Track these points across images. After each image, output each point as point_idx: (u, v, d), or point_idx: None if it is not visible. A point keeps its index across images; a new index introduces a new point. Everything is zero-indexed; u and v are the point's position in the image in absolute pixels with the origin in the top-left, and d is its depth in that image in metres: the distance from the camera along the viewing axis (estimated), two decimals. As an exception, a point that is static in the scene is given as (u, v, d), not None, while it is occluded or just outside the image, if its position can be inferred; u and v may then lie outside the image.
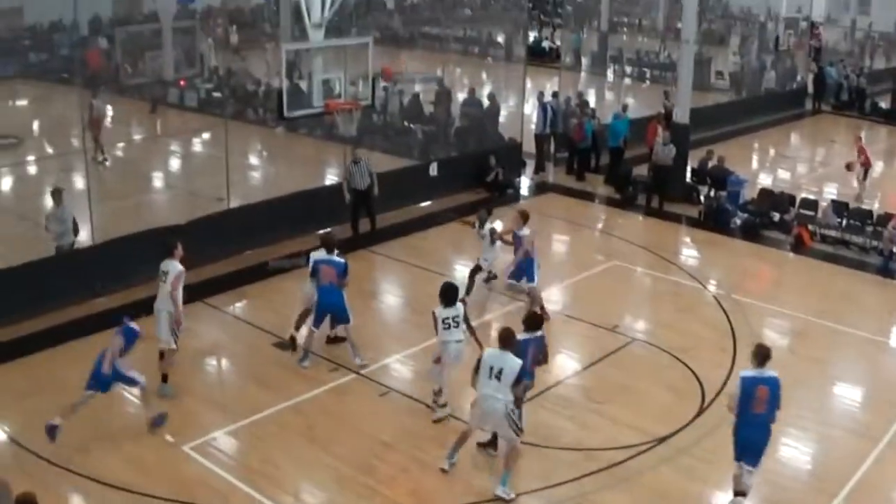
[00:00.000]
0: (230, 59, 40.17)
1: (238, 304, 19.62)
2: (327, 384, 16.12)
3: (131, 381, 14.29)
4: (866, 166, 28.14)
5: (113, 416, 14.96)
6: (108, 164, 28.85)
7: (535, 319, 14.15)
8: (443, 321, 14.67)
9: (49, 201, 19.94)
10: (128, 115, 36.83)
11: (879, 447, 14.67)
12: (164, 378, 15.60)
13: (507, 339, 13.05)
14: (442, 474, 13.63)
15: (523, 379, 13.06)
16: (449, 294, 14.82)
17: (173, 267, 15.30)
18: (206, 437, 14.49)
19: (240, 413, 15.10)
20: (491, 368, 12.84)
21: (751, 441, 12.50)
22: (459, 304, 15.03)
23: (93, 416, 14.66)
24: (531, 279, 18.44)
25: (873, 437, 14.94)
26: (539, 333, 13.88)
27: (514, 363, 12.80)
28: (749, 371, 12.49)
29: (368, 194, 22.78)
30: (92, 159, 28.14)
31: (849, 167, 28.47)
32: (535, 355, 13.81)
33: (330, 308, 16.57)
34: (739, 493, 12.87)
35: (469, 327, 15.12)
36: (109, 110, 32.95)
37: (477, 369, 13.09)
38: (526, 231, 18.44)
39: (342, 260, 16.62)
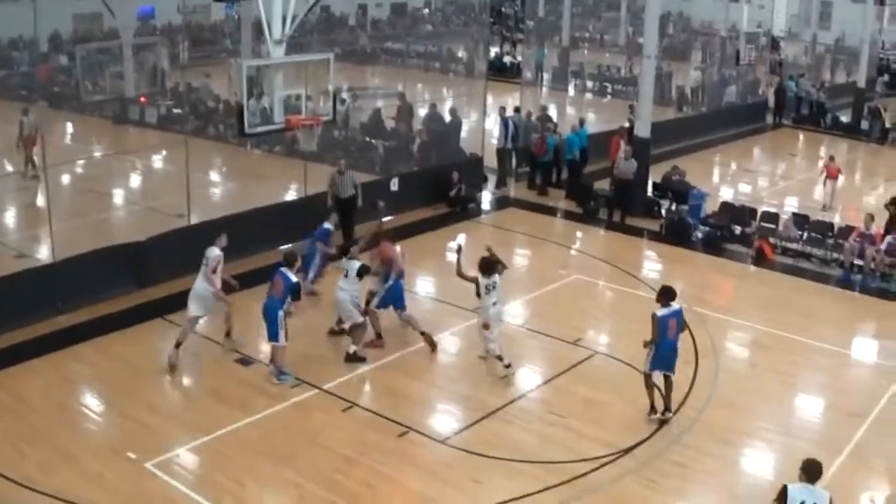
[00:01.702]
0: (188, 76, 39.85)
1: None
2: (289, 400, 16.04)
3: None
4: (834, 178, 28.66)
5: (76, 435, 14.86)
6: (37, 178, 27.28)
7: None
8: (485, 287, 16.53)
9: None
10: (88, 132, 36.57)
11: (841, 458, 14.72)
12: (228, 333, 17.78)
13: (811, 471, 10.92)
14: (406, 490, 13.69)
15: None
16: (487, 265, 16.68)
17: (212, 252, 16.91)
18: (169, 454, 14.38)
19: (202, 430, 15.00)
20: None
21: None
22: (496, 275, 16.70)
23: (56, 435, 14.60)
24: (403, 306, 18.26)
25: (835, 449, 14.96)
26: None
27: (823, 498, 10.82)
28: None
29: (353, 204, 23.26)
30: (23, 176, 28.02)
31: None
32: None
33: (265, 317, 16.48)
34: None
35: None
36: (68, 127, 32.55)
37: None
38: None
39: (294, 280, 16.51)
